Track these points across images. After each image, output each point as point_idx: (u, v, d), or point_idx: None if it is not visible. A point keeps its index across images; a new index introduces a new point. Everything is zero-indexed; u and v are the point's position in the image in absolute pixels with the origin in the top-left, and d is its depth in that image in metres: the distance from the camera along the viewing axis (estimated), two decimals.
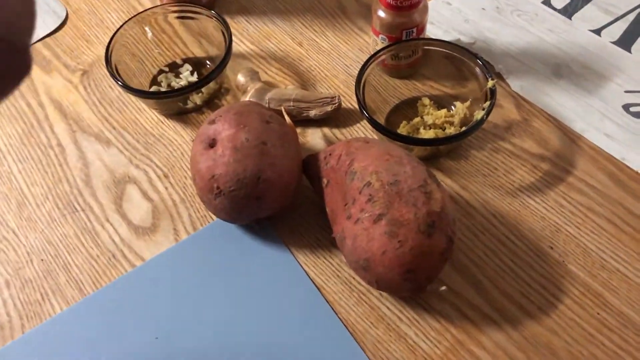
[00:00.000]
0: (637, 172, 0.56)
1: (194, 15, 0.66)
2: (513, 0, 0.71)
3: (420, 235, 0.44)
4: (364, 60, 0.59)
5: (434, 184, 0.46)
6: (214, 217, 0.56)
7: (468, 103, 0.58)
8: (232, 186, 0.49)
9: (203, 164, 0.50)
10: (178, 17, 0.67)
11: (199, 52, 0.68)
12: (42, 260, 0.55)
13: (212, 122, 0.51)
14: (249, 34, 0.71)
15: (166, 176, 0.59)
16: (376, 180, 0.46)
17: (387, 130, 0.55)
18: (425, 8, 0.60)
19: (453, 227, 0.46)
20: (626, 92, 0.62)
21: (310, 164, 0.53)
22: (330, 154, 0.51)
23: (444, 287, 0.47)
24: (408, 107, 0.62)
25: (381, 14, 0.60)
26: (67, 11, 0.76)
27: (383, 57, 0.60)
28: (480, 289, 0.50)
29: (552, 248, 0.52)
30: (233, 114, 0.51)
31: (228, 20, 0.71)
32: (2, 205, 0.59)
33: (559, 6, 0.70)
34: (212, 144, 0.51)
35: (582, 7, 0.70)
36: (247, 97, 0.61)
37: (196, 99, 0.63)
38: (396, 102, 0.62)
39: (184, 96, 0.61)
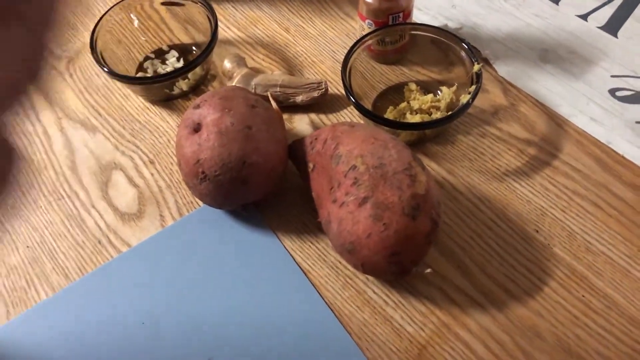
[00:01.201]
0: (622, 156, 0.56)
1: (180, 1, 0.66)
2: None
3: (404, 218, 0.44)
4: (351, 45, 0.59)
5: (419, 167, 0.46)
6: (200, 203, 0.56)
7: (454, 88, 0.58)
8: (217, 171, 0.49)
9: (188, 149, 0.50)
10: (164, 3, 0.67)
11: (185, 39, 0.68)
12: (27, 247, 0.55)
13: (197, 106, 0.51)
14: (236, 20, 0.70)
15: (152, 162, 0.59)
16: (361, 164, 0.46)
17: (373, 115, 0.54)
18: None
19: (438, 210, 0.46)
20: (612, 76, 0.62)
21: (296, 149, 0.53)
22: (316, 139, 0.51)
23: (429, 270, 0.48)
24: (395, 93, 0.62)
25: None
26: None
27: (369, 42, 0.60)
28: (466, 272, 0.50)
29: (537, 231, 0.52)
30: (218, 99, 0.51)
31: (214, 6, 0.71)
32: None
33: None
34: (197, 128, 0.50)
35: None
36: (233, 83, 0.61)
37: (182, 85, 0.62)
38: (383, 87, 0.62)
39: (170, 82, 0.61)
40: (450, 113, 0.54)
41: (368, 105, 0.60)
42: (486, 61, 0.64)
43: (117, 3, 0.64)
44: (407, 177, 0.45)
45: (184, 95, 0.64)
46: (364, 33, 0.61)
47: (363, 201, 0.45)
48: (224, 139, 0.49)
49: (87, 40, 0.67)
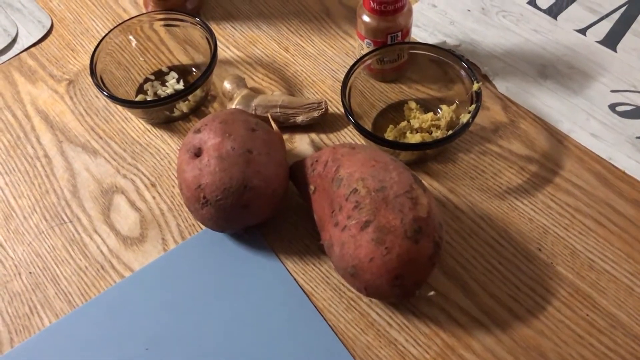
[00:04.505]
0: (623, 172, 0.56)
1: (179, 22, 0.66)
2: (498, 1, 0.71)
3: (407, 241, 0.44)
4: (351, 64, 0.59)
5: (420, 189, 0.46)
6: (202, 226, 0.56)
7: (454, 106, 0.58)
8: (218, 195, 0.49)
9: (189, 174, 0.50)
10: (163, 25, 0.67)
11: (184, 60, 0.68)
12: (30, 273, 0.55)
13: (198, 131, 0.51)
14: (235, 40, 0.71)
15: (154, 185, 0.59)
16: (362, 187, 0.46)
17: (373, 136, 0.55)
18: (410, 12, 0.60)
19: (440, 232, 0.46)
20: (612, 91, 0.62)
21: (297, 171, 0.53)
22: (316, 161, 0.51)
23: (432, 292, 0.47)
24: (395, 111, 0.62)
25: (366, 18, 0.60)
26: (52, 20, 0.75)
27: (369, 61, 0.60)
28: (469, 292, 0.50)
29: (540, 250, 0.52)
30: (218, 123, 0.51)
31: (213, 26, 0.72)
32: None
33: (544, 6, 0.70)
34: (197, 153, 0.50)
35: (567, 6, 0.70)
36: (233, 104, 0.61)
37: (183, 107, 0.62)
38: (383, 106, 0.62)
39: (171, 104, 0.61)
40: (450, 133, 0.54)
41: (368, 124, 0.60)
42: (485, 78, 0.64)
43: (117, 25, 0.65)
44: (408, 200, 0.45)
45: (185, 117, 0.64)
46: (363, 52, 0.61)
47: (365, 225, 0.45)
48: (224, 163, 0.49)
49: (87, 62, 0.67)
